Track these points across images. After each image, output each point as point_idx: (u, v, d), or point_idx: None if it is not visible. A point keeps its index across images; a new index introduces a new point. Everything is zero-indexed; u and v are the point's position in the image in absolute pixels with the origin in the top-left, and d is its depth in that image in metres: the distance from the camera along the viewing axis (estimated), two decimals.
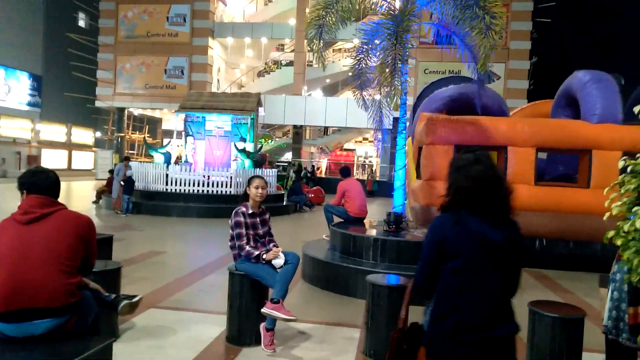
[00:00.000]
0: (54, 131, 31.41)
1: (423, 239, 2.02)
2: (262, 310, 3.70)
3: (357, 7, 6.97)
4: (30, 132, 29.41)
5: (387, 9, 6.65)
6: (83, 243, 2.44)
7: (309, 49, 7.55)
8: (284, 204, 14.99)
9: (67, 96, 32.31)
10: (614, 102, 7.73)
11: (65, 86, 32.87)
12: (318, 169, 32.23)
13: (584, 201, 7.33)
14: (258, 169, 14.39)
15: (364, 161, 36.59)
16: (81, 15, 36.98)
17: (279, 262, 3.81)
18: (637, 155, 2.55)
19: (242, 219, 3.93)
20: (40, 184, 2.44)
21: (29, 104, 34.11)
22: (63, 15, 35.12)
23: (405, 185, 10.10)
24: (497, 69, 25.96)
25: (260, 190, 3.98)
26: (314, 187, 19.33)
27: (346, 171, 7.95)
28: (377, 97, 7.46)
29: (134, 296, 2.86)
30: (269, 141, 31.94)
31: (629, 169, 2.56)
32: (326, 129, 34.09)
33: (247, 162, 14.52)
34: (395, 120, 8.08)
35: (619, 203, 2.50)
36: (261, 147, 18.63)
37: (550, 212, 7.49)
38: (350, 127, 28.41)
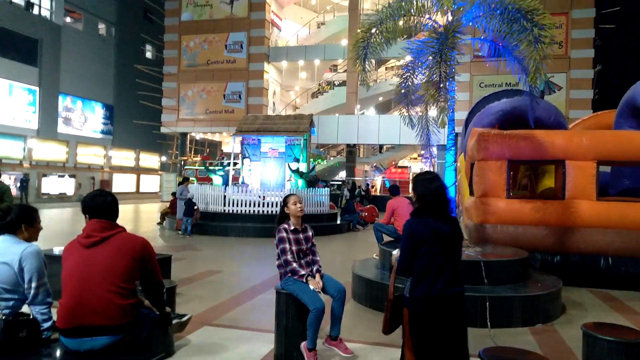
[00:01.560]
0: (124, 157, 33.52)
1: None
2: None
3: (402, 27, 7.02)
4: (103, 158, 31.57)
5: (431, 27, 6.66)
6: (138, 263, 2.63)
7: (360, 67, 7.66)
8: (338, 222, 15.07)
9: (135, 124, 34.58)
10: None
11: (134, 114, 35.17)
12: (372, 187, 32.08)
13: None
14: (312, 188, 14.60)
15: None
16: (148, 47, 39.63)
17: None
18: None
19: (284, 234, 4.06)
20: (100, 207, 2.68)
21: (102, 132, 36.78)
22: (132, 48, 37.83)
23: (459, 203, 9.87)
24: (558, 79, 24.89)
25: (299, 205, 4.11)
26: (368, 206, 19.27)
27: (395, 189, 7.93)
28: (427, 113, 7.41)
29: (184, 315, 3.04)
30: (321, 161, 32.26)
31: None
32: (380, 146, 34.00)
33: (301, 182, 14.78)
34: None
35: None
36: (314, 167, 18.88)
37: (615, 229, 7.05)
38: (404, 144, 28.18)
